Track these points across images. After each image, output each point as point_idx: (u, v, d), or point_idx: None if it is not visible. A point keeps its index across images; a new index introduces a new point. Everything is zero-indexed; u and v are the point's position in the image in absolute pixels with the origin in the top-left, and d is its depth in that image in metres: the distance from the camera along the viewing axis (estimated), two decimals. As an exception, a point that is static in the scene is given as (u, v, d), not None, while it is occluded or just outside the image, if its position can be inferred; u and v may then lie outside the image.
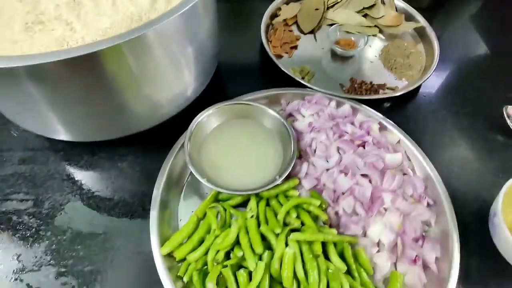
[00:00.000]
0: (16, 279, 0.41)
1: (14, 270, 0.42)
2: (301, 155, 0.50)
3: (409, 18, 0.71)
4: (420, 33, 0.70)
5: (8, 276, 0.42)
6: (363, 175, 0.45)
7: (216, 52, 0.55)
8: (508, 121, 0.55)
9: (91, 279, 0.42)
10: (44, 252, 0.43)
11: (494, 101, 0.59)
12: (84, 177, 0.50)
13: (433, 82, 0.64)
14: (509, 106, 0.56)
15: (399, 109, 0.60)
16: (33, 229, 0.45)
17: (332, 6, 0.72)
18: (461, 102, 0.61)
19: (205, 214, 0.44)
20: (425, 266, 0.42)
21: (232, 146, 0.50)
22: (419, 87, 0.62)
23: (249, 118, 0.52)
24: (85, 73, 0.37)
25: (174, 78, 0.47)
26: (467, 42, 0.73)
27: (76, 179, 0.50)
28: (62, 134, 0.47)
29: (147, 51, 0.40)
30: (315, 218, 0.44)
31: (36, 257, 0.43)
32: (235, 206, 0.46)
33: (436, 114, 0.59)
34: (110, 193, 0.48)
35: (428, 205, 0.46)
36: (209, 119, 0.50)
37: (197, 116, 0.49)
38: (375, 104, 0.56)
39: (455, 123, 0.58)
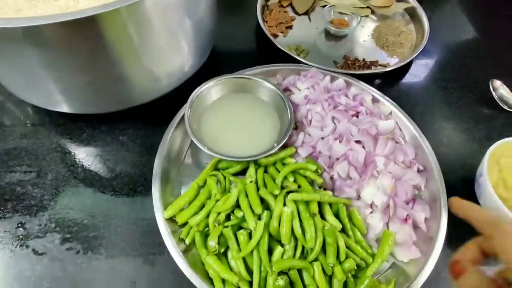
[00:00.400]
0: (21, 245, 0.43)
1: (19, 237, 0.43)
2: (297, 126, 0.52)
3: (400, -1, 0.73)
4: (411, 13, 0.72)
5: (14, 242, 0.43)
6: (357, 142, 0.47)
7: (213, 29, 0.56)
8: (494, 94, 0.58)
9: (96, 244, 0.43)
10: (49, 220, 0.44)
11: (481, 77, 0.62)
12: (86, 150, 0.51)
13: (423, 60, 0.66)
14: (495, 80, 0.58)
15: (391, 84, 0.62)
16: (37, 199, 0.46)
17: (325, -12, 0.73)
18: (450, 77, 0.63)
19: (205, 182, 0.46)
20: (415, 226, 0.44)
21: (231, 118, 0.51)
22: (410, 64, 0.64)
23: (247, 91, 0.53)
24: (84, 38, 0.38)
25: (172, 51, 0.48)
26: (456, 22, 0.75)
27: (78, 152, 0.51)
28: (62, 105, 0.47)
29: (146, 20, 0.41)
30: (311, 183, 0.46)
31: (40, 225, 0.44)
32: (234, 175, 0.47)
33: (426, 89, 0.61)
34: (112, 165, 0.50)
35: (419, 170, 0.48)
36: (209, 91, 0.51)
37: (197, 88, 0.50)
38: (368, 80, 0.57)
39: (444, 97, 0.60)
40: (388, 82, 0.62)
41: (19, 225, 0.44)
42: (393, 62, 0.63)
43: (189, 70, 0.53)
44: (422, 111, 0.57)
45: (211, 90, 0.51)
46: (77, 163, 0.49)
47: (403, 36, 0.66)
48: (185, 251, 0.41)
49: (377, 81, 0.62)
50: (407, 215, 0.43)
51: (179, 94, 0.51)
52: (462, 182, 0.50)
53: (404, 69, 0.63)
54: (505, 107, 0.57)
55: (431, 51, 0.67)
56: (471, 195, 0.47)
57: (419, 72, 0.64)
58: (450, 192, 0.45)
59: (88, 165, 0.49)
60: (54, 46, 0.38)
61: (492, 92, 0.58)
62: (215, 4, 0.54)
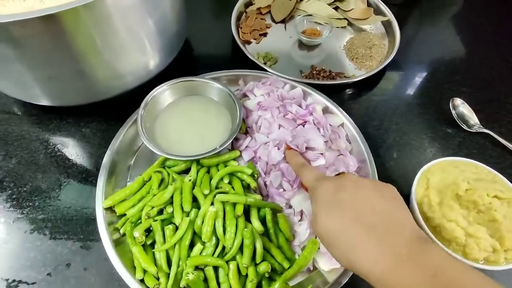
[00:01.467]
0: (-22, 221, 0.47)
1: (-22, 213, 0.47)
2: (248, 131, 0.54)
3: (379, 12, 0.73)
4: (387, 28, 0.72)
5: (-28, 217, 0.47)
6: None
7: (181, 30, 0.59)
8: (453, 112, 0.57)
9: (43, 226, 0.47)
10: (5, 200, 0.49)
11: (447, 95, 0.61)
12: (51, 139, 0.55)
13: (391, 75, 0.66)
14: (456, 98, 0.58)
15: (354, 97, 0.62)
16: (-1, 180, 0.50)
17: (306, -2, 0.75)
18: (416, 93, 0.63)
19: (150, 178, 0.49)
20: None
21: (184, 119, 0.54)
22: (377, 78, 0.64)
23: (201, 94, 0.56)
24: (47, 36, 0.41)
25: (134, 50, 0.51)
26: (438, 40, 0.74)
27: (43, 140, 0.55)
28: (33, 98, 0.52)
29: (106, 18, 0.43)
30: (248, 187, 0.47)
31: (-3, 203, 0.48)
32: (180, 173, 0.50)
33: (389, 103, 0.62)
34: (71, 154, 0.53)
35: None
36: (164, 94, 0.54)
37: (152, 91, 0.53)
38: (332, 91, 0.58)
39: (406, 112, 0.60)
40: (352, 94, 0.63)
41: (-21, 202, 0.48)
42: (360, 75, 0.64)
43: (154, 69, 0.56)
44: (378, 125, 0.58)
45: (165, 93, 0.54)
46: (40, 150, 0.54)
47: (374, 49, 0.66)
48: (119, 241, 0.44)
49: (341, 93, 0.62)
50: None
51: (145, 92, 0.53)
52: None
53: (370, 83, 0.64)
54: (464, 126, 0.57)
55: (401, 66, 0.67)
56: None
57: (385, 86, 0.64)
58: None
59: (50, 153, 0.53)
60: (19, 42, 0.42)
61: (451, 109, 0.57)
62: (182, 5, 0.57)
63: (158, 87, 0.53)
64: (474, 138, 0.56)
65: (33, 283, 0.42)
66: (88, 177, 0.51)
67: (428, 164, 0.44)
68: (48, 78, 0.48)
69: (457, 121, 0.57)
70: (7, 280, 0.42)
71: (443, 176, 0.43)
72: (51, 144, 0.54)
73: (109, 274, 0.43)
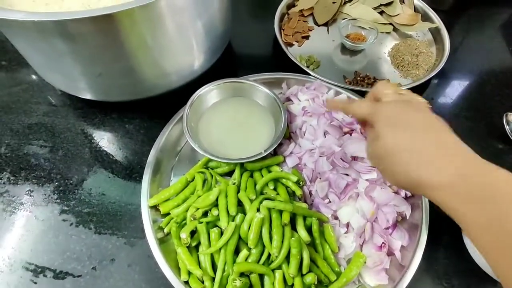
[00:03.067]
0: (26, 210, 0.48)
1: (25, 203, 0.49)
2: (291, 137, 0.53)
3: (426, 19, 0.71)
4: (435, 35, 0.69)
5: (20, 207, 0.48)
6: (342, 161, 0.47)
7: (226, 31, 0.58)
8: (507, 127, 0.54)
9: (88, 219, 0.47)
10: (53, 192, 0.50)
11: (498, 109, 0.58)
12: (95, 133, 0.56)
13: (439, 84, 0.64)
14: (510, 113, 0.55)
15: (399, 105, 0.60)
16: (46, 172, 0.52)
17: (349, 1, 0.73)
18: (465, 106, 0.61)
19: (193, 179, 0.49)
20: (390, 253, 0.43)
21: (228, 120, 0.54)
22: (424, 86, 0.62)
23: (246, 96, 0.55)
24: (102, 34, 0.42)
25: (182, 49, 0.51)
26: (487, 49, 0.71)
27: (88, 133, 0.56)
28: (81, 92, 0.53)
29: (159, 19, 0.44)
30: (292, 194, 0.47)
31: (45, 195, 0.49)
32: (222, 175, 0.50)
33: (437, 114, 0.59)
34: (115, 150, 0.54)
35: (406, 197, 0.47)
36: (209, 94, 0.54)
37: (198, 90, 0.53)
38: (374, 98, 0.57)
39: (454, 124, 0.57)
40: (397, 102, 0.61)
41: (28, 192, 0.50)
42: (404, 83, 0.62)
43: (198, 69, 0.56)
44: (425, 137, 0.56)
45: (211, 92, 0.54)
46: (85, 144, 0.54)
47: (421, 57, 0.64)
48: (163, 240, 0.44)
49: (385, 101, 0.61)
50: (383, 242, 0.43)
51: (188, 91, 0.53)
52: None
53: (416, 91, 0.61)
54: (518, 144, 0.54)
55: (449, 76, 0.65)
56: (458, 233, 0.46)
57: (432, 96, 0.62)
58: (436, 225, 0.45)
59: (95, 147, 0.54)
60: (75, 39, 0.43)
61: (505, 125, 0.55)
62: (229, 7, 0.56)
63: (204, 86, 0.53)
64: (528, 156, 0.54)
65: (79, 276, 0.43)
66: (132, 173, 0.52)
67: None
68: (98, 74, 0.49)
69: (510, 136, 0.54)
70: (54, 271, 0.43)
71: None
72: (95, 138, 0.55)
73: (152, 272, 0.43)
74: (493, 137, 0.56)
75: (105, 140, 0.55)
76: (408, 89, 0.58)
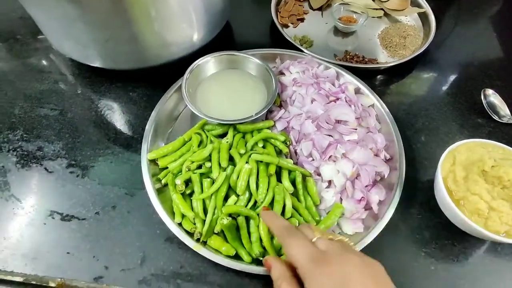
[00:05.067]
0: (37, 163, 0.53)
1: (37, 157, 0.53)
2: (282, 105, 0.57)
3: (416, 5, 0.74)
4: (424, 20, 0.73)
5: (32, 160, 0.53)
6: (326, 124, 0.51)
7: (224, 10, 0.63)
8: (484, 101, 0.58)
9: (93, 172, 0.52)
10: (61, 148, 0.54)
11: (479, 87, 0.62)
12: (102, 99, 0.60)
13: (424, 64, 0.67)
14: (487, 89, 0.59)
15: (385, 82, 0.64)
16: (56, 131, 0.56)
17: (343, -13, 0.77)
18: (447, 82, 0.64)
19: (190, 139, 0.53)
20: (368, 207, 0.47)
21: (224, 89, 0.58)
22: (409, 66, 0.66)
23: (241, 68, 0.60)
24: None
25: (182, 22, 0.55)
26: (470, 36, 0.74)
27: (95, 100, 0.60)
28: (89, 58, 0.57)
29: None
30: (279, 152, 0.51)
31: (54, 150, 0.54)
32: (217, 137, 0.54)
33: (419, 91, 0.63)
34: (119, 114, 0.59)
35: (386, 159, 0.51)
36: (208, 64, 0.58)
37: (198, 60, 0.57)
38: (364, 76, 0.61)
39: (435, 99, 0.62)
40: (383, 80, 0.65)
41: (39, 148, 0.54)
42: (392, 62, 0.66)
43: (198, 42, 0.60)
44: (407, 109, 0.60)
45: (209, 63, 0.58)
46: (92, 108, 0.59)
47: (408, 39, 0.68)
48: (161, 190, 0.48)
49: (373, 78, 0.65)
50: (362, 197, 0.47)
51: (187, 64, 0.57)
52: (428, 180, 0.52)
53: (402, 70, 0.65)
54: (495, 117, 0.58)
55: (435, 57, 0.68)
56: (431, 190, 0.49)
57: (417, 74, 0.66)
58: (413, 186, 0.49)
59: (101, 111, 0.59)
60: (82, 3, 0.47)
61: (482, 100, 0.59)
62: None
63: (203, 57, 0.58)
64: (504, 129, 0.57)
65: (83, 219, 0.47)
66: (134, 134, 0.56)
67: (456, 144, 0.46)
68: (105, 39, 0.53)
69: (488, 111, 0.58)
70: (61, 214, 0.48)
71: (470, 155, 0.44)
72: (101, 103, 0.60)
73: (149, 218, 0.47)
74: (472, 112, 0.60)
75: (110, 105, 0.60)
76: (395, 67, 0.63)
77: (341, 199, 0.47)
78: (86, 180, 0.51)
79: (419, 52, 0.64)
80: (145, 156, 0.50)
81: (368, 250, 0.43)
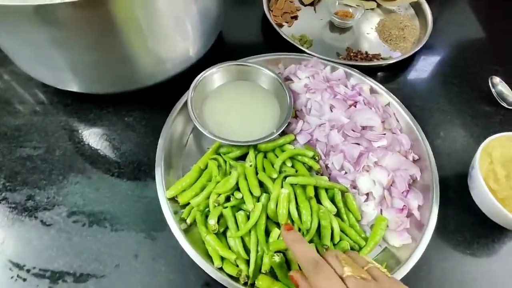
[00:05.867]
0: (30, 216, 0.45)
1: (28, 209, 0.45)
2: (297, 115, 0.53)
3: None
4: (416, 8, 0.72)
5: (23, 213, 0.45)
6: (353, 132, 0.48)
7: (220, 15, 0.57)
8: (493, 90, 0.59)
9: (101, 217, 0.45)
10: (56, 193, 0.47)
11: (481, 74, 0.62)
12: (93, 129, 0.53)
13: (425, 55, 0.67)
14: (494, 77, 0.59)
15: (392, 77, 0.63)
16: (46, 173, 0.48)
17: (332, -21, 0.74)
18: (451, 73, 0.64)
19: (206, 166, 0.48)
20: (409, 214, 0.45)
21: (233, 104, 0.53)
22: (412, 58, 0.65)
23: (249, 79, 0.55)
24: (93, 18, 0.39)
25: (177, 35, 0.49)
26: (461, 20, 0.75)
27: (85, 130, 0.52)
28: (71, 84, 0.49)
29: (153, 3, 0.42)
30: (309, 169, 0.47)
31: (49, 198, 0.46)
32: (235, 159, 0.49)
33: (426, 83, 0.63)
34: (118, 144, 0.51)
35: (414, 160, 0.50)
36: (211, 77, 0.53)
37: (201, 74, 0.52)
38: (369, 72, 0.58)
39: (443, 91, 0.61)
40: (389, 75, 0.63)
41: (28, 197, 0.46)
42: (396, 56, 0.64)
43: (194, 55, 0.54)
44: (420, 105, 0.59)
45: (214, 76, 0.53)
46: (84, 141, 0.51)
47: (406, 31, 0.67)
48: (185, 231, 0.43)
49: (379, 74, 0.63)
50: (404, 205, 0.45)
51: (184, 79, 0.52)
52: (455, 176, 0.51)
53: (405, 63, 0.64)
54: (504, 104, 0.58)
55: (434, 46, 0.68)
56: (464, 188, 0.49)
57: (421, 66, 0.65)
58: (443, 184, 0.47)
59: (95, 143, 0.51)
60: (64, 25, 0.40)
61: (491, 89, 0.59)
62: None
63: (207, 69, 0.52)
64: (514, 115, 0.58)
65: (102, 276, 0.41)
66: (140, 166, 0.49)
67: (487, 140, 0.45)
68: (92, 62, 0.46)
69: (497, 99, 0.58)
70: (73, 274, 0.41)
71: (504, 151, 0.44)
72: (94, 134, 0.52)
73: (179, 263, 0.42)
74: (480, 100, 0.60)
75: (105, 135, 0.52)
76: (396, 62, 0.61)
77: (381, 210, 0.45)
78: (96, 229, 0.44)
79: (422, 44, 0.63)
80: (162, 192, 0.44)
81: (415, 263, 0.41)
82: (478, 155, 0.44)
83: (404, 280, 0.40)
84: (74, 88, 0.50)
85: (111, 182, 0.48)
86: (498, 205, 0.41)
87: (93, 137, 0.52)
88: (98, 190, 0.47)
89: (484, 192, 0.42)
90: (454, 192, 0.49)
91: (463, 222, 0.48)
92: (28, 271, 0.41)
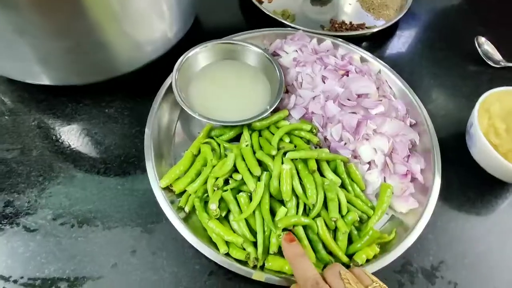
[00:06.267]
0: (11, 224, 0.41)
1: (8, 216, 0.41)
2: (288, 90, 0.51)
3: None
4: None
5: (2, 221, 0.41)
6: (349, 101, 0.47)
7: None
8: (479, 50, 0.58)
9: (90, 216, 0.41)
10: (38, 196, 0.43)
11: (466, 35, 0.62)
12: (72, 124, 0.49)
13: (409, 21, 0.66)
14: (479, 37, 0.59)
15: (378, 46, 0.62)
16: (24, 176, 0.44)
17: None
18: (436, 37, 0.64)
19: (199, 151, 0.45)
20: (412, 178, 0.44)
21: (220, 85, 0.50)
22: (396, 25, 0.64)
23: (235, 58, 0.52)
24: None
25: (153, 16, 0.45)
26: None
27: (63, 126, 0.48)
28: (42, 77, 0.45)
29: None
30: (307, 143, 0.45)
31: (29, 201, 0.42)
32: (228, 142, 0.46)
33: (413, 49, 0.62)
34: (101, 138, 0.48)
35: (411, 125, 0.49)
36: (195, 58, 0.50)
37: (184, 54, 0.48)
38: (355, 42, 0.57)
39: (431, 55, 0.61)
40: (376, 44, 0.62)
41: (6, 203, 0.42)
42: (379, 24, 0.63)
43: (173, 37, 0.51)
44: (410, 70, 0.58)
45: (198, 56, 0.49)
46: (63, 138, 0.47)
47: (388, -2, 0.66)
48: (185, 220, 0.40)
49: (365, 44, 0.61)
50: (407, 170, 0.44)
51: (165, 64, 0.49)
52: (452, 137, 0.51)
53: (391, 31, 0.63)
54: (490, 63, 0.58)
55: (416, 12, 0.67)
56: (462, 147, 0.48)
57: (406, 33, 0.64)
58: (442, 146, 0.46)
59: (75, 139, 0.47)
60: (28, 9, 0.36)
61: (477, 49, 0.59)
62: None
63: (190, 50, 0.49)
64: (501, 73, 0.58)
65: (99, 278, 0.38)
66: (127, 159, 0.46)
67: (483, 96, 0.45)
68: (65, 51, 0.42)
69: (484, 58, 0.58)
70: (67, 279, 0.38)
71: (502, 105, 0.44)
72: (73, 130, 0.48)
73: (181, 254, 0.39)
74: (467, 61, 0.60)
75: (85, 130, 0.48)
76: (381, 30, 0.60)
77: (384, 178, 0.44)
78: (86, 229, 0.41)
79: (405, 11, 0.62)
80: (156, 183, 0.41)
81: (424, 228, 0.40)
82: (476, 111, 0.44)
83: (415, 245, 0.40)
84: (45, 81, 0.46)
85: (97, 179, 0.44)
86: (501, 159, 0.40)
87: (72, 133, 0.48)
88: (84, 188, 0.43)
89: (486, 147, 0.41)
90: (454, 153, 0.49)
91: (465, 182, 0.47)
92: (15, 281, 0.37)
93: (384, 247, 0.39)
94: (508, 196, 0.46)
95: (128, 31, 0.44)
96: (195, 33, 0.56)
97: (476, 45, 0.59)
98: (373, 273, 0.37)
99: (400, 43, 0.62)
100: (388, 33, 0.63)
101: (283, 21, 0.58)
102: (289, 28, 0.57)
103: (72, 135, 0.48)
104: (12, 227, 0.40)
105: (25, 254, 0.39)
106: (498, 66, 0.58)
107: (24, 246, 0.39)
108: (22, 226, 0.41)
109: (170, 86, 0.47)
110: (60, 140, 0.47)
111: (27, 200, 0.42)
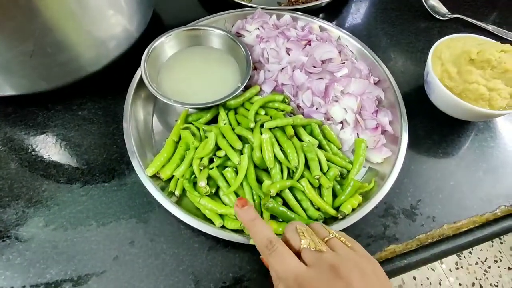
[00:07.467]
0: (2, 238, 0.40)
1: (-2, 231, 0.41)
2: (256, 67, 0.53)
3: None
4: None
5: (-7, 237, 0.40)
6: (314, 68, 0.49)
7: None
8: (426, 5, 0.62)
9: (83, 216, 0.42)
10: (25, 206, 0.42)
11: (414, -5, 0.66)
12: (47, 132, 0.48)
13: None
14: (426, -7, 0.63)
15: (335, 14, 0.64)
16: (6, 189, 0.43)
17: None
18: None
19: (179, 138, 0.46)
20: (382, 130, 0.48)
21: (190, 71, 0.51)
22: (349, -7, 0.67)
23: (200, 44, 0.53)
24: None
25: (112, 11, 0.46)
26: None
27: (37, 136, 0.48)
28: (3, 87, 0.44)
29: None
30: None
31: (17, 213, 0.42)
32: (207, 123, 0.48)
33: (368, 13, 0.65)
34: (78, 140, 0.47)
35: (375, 83, 0.52)
36: (162, 47, 0.50)
37: (150, 44, 0.49)
38: (313, 14, 0.59)
39: (385, 17, 0.64)
40: (332, 13, 0.65)
41: (-6, 219, 0.41)
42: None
43: (134, 30, 0.51)
44: (367, 33, 0.61)
45: (165, 46, 0.50)
46: (39, 146, 0.47)
47: (336, -33, 0.68)
48: (177, 203, 0.41)
49: (321, 15, 0.64)
50: (377, 123, 0.47)
51: (131, 60, 0.49)
52: (413, 89, 0.54)
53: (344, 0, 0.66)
54: (438, 17, 0.62)
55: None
56: (423, 97, 0.52)
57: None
58: (405, 99, 0.50)
59: (53, 146, 0.47)
60: None
61: (424, 5, 0.63)
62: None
63: (155, 39, 0.49)
64: (448, 24, 0.62)
65: (103, 272, 0.39)
66: (110, 156, 0.46)
67: (434, 45, 0.48)
68: (25, 55, 0.41)
69: (431, 13, 0.62)
70: (71, 279, 0.38)
71: (451, 51, 0.47)
72: (50, 137, 0.48)
73: (179, 236, 0.41)
74: (418, 18, 0.64)
75: (61, 135, 0.48)
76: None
77: (357, 134, 0.47)
78: (81, 229, 0.41)
79: (354, -23, 0.65)
80: (143, 173, 0.42)
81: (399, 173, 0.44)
82: (429, 60, 0.47)
83: (393, 190, 0.43)
84: (9, 91, 0.45)
85: (83, 180, 0.44)
86: (457, 99, 0.44)
87: (48, 140, 0.47)
88: (71, 191, 0.43)
89: (442, 91, 0.45)
90: (416, 103, 0.52)
91: (429, 127, 0.51)
92: (20, 291, 0.37)
93: (366, 196, 0.43)
94: (468, 134, 0.51)
95: (87, 28, 0.44)
96: (157, 27, 0.56)
97: (423, 1, 0.63)
98: (360, 220, 0.40)
99: (354, 9, 0.65)
100: (342, 2, 0.65)
101: (240, 1, 0.59)
102: (248, 8, 0.59)
103: (48, 143, 0.47)
104: (4, 240, 0.40)
105: (23, 264, 0.39)
106: (445, 18, 0.62)
107: (21, 256, 0.39)
108: (14, 237, 0.40)
109: (141, 80, 0.48)
110: (37, 149, 0.47)
111: (14, 212, 0.42)
